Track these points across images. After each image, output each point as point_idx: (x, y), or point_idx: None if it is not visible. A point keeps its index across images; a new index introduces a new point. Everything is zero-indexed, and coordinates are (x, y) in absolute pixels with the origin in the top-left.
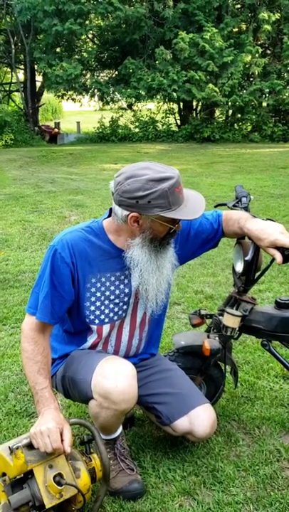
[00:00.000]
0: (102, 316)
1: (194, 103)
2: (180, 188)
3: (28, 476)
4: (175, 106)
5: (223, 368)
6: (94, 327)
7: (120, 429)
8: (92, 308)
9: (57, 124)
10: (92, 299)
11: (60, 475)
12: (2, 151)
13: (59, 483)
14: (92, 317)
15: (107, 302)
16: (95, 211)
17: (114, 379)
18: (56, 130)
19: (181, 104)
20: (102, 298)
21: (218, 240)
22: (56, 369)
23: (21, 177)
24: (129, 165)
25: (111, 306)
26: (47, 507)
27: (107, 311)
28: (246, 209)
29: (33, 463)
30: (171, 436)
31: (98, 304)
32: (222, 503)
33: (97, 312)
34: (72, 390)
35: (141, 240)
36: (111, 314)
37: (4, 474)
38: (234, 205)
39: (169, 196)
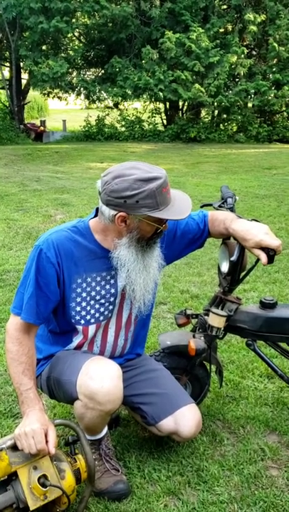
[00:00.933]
0: (88, 317)
1: (180, 103)
2: (167, 189)
3: (12, 477)
4: (161, 105)
5: (208, 367)
6: (79, 327)
7: (105, 430)
8: (78, 308)
9: (43, 122)
10: (78, 299)
11: (44, 476)
12: None
13: (43, 485)
14: (77, 317)
15: (92, 302)
16: (81, 210)
17: (99, 380)
18: (42, 128)
19: (168, 103)
20: (88, 298)
21: (204, 240)
22: (41, 369)
23: (6, 175)
24: (116, 164)
25: (97, 306)
26: (31, 509)
27: (92, 311)
28: (232, 209)
29: (17, 464)
30: (156, 436)
31: (84, 304)
32: (207, 502)
33: (83, 313)
34: (58, 390)
35: (128, 239)
36: (97, 315)
37: None
38: (220, 206)
39: (156, 196)
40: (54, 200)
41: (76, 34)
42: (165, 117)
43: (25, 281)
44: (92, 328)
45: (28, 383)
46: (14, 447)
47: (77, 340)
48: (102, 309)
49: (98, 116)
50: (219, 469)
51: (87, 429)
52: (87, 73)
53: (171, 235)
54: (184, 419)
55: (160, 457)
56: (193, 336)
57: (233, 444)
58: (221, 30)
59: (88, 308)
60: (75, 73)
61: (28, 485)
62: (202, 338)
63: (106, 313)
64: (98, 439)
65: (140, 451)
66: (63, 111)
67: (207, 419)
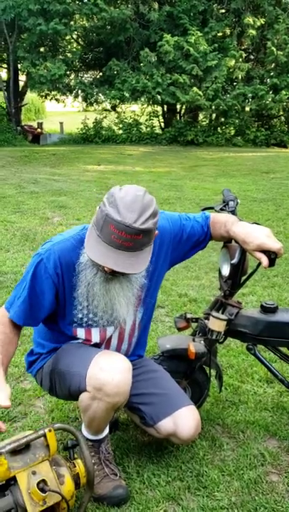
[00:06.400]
0: (90, 322)
1: (178, 106)
2: (119, 234)
3: (11, 482)
4: (159, 108)
5: (207, 371)
6: (82, 330)
7: (106, 431)
8: (80, 315)
9: (40, 125)
10: (80, 307)
11: (43, 481)
12: None
13: (43, 490)
14: (79, 322)
15: (95, 310)
16: (78, 213)
17: (110, 372)
18: (39, 130)
19: (165, 106)
20: (90, 307)
21: (207, 243)
22: (43, 362)
23: (3, 177)
24: (127, 186)
25: (100, 314)
26: None
27: (96, 318)
28: (233, 212)
29: (16, 469)
30: (155, 440)
31: (86, 311)
32: (207, 508)
33: (85, 319)
34: (62, 383)
35: None
36: (100, 321)
37: None
38: (221, 209)
39: (103, 222)
40: (51, 203)
41: (74, 36)
42: (163, 120)
43: (23, 283)
44: (95, 332)
45: None
46: (13, 452)
47: (80, 341)
48: (105, 316)
49: (96, 119)
50: (219, 474)
51: (89, 424)
52: (85, 75)
53: (177, 238)
54: (183, 420)
55: (159, 462)
56: (193, 340)
57: (233, 449)
58: (220, 34)
59: (91, 315)
60: (72, 75)
61: (27, 490)
62: (202, 342)
63: (110, 319)
64: (99, 440)
65: (139, 455)
66: (61, 113)
67: (206, 424)
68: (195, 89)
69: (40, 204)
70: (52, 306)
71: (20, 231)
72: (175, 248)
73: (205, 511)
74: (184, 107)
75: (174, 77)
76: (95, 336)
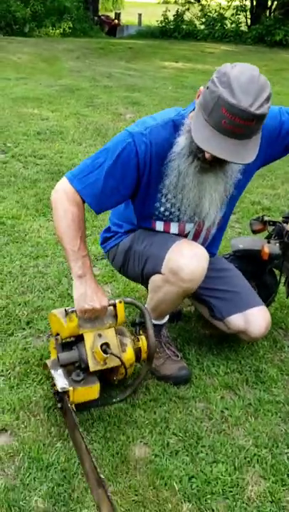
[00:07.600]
0: (171, 216)
1: (269, 1)
2: (231, 119)
3: (78, 340)
4: (248, 2)
5: (277, 276)
6: (161, 223)
7: (167, 318)
8: (162, 209)
9: (117, 15)
10: (163, 199)
11: (106, 344)
12: (60, 40)
13: (105, 352)
14: (160, 215)
15: (178, 205)
16: (152, 110)
17: (189, 258)
18: (116, 22)
19: (255, 1)
20: (174, 200)
21: None
22: (119, 241)
23: (78, 69)
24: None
25: (182, 208)
26: (91, 370)
27: (177, 212)
28: None
29: (84, 328)
30: (217, 334)
31: (168, 205)
32: (263, 400)
33: (166, 213)
34: (137, 262)
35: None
36: (181, 215)
37: (57, 334)
38: None
39: (215, 104)
40: (124, 98)
41: None
42: (250, 16)
43: (100, 158)
44: (173, 226)
45: (84, 250)
46: None
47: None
48: (189, 211)
49: (177, 11)
50: (278, 373)
51: (155, 306)
52: None
53: (275, 133)
54: (255, 318)
55: (219, 354)
56: (268, 242)
57: None
58: None
59: (173, 209)
60: None
61: (91, 349)
62: (277, 244)
63: (192, 215)
64: (160, 325)
65: (200, 346)
66: (139, 4)
67: None
68: None
69: (113, 99)
70: (128, 193)
71: (93, 125)
72: (271, 144)
73: (261, 403)
74: (276, 1)
75: None
76: (173, 231)
